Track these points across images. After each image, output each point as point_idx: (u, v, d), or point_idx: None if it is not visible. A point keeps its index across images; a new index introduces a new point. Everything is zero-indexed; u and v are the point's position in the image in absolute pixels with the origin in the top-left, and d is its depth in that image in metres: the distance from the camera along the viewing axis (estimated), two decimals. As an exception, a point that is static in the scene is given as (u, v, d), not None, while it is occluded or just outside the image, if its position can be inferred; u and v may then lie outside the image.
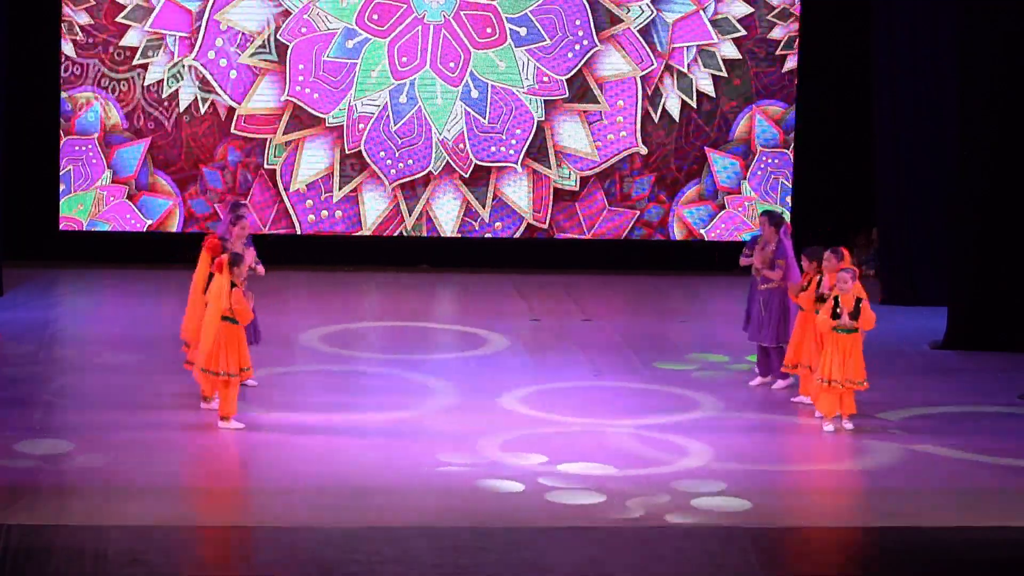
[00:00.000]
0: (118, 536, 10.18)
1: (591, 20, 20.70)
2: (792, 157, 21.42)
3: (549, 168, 20.80)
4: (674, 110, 21.04)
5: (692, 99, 20.99)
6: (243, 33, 20.23)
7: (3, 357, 14.92)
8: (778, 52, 21.17)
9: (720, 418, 13.75)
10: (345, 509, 10.95)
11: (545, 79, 20.69)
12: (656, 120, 20.99)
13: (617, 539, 10.39)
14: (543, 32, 20.65)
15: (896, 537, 10.81)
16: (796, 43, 21.16)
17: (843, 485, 12.09)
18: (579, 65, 20.72)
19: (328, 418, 13.44)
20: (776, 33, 21.16)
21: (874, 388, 14.78)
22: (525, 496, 11.30)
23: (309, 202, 20.75)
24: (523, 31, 20.68)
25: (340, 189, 20.61)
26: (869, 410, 14.04)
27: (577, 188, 20.86)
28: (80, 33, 20.23)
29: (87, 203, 20.32)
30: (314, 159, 20.56)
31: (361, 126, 20.43)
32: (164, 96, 20.32)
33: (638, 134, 20.89)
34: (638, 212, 20.97)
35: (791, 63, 21.25)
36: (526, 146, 20.70)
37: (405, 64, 20.56)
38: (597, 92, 20.89)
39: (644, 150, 20.86)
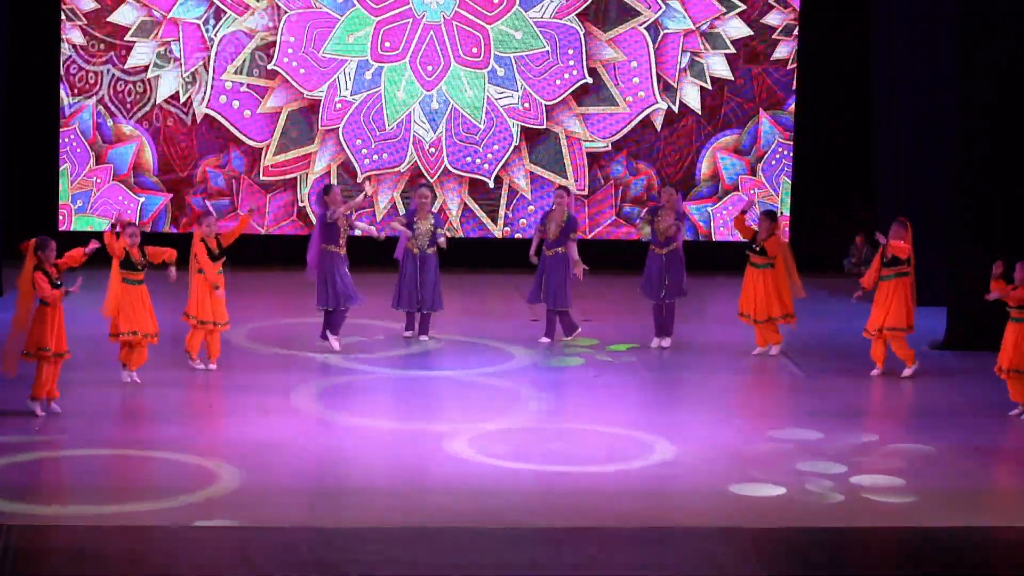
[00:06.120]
0: (118, 536, 10.18)
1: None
2: (792, 157, 21.46)
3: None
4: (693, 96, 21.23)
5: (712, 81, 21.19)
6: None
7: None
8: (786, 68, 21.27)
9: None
10: (345, 509, 10.95)
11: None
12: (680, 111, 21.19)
13: (617, 539, 10.38)
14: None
15: (896, 537, 10.80)
16: (795, 40, 21.22)
17: (843, 486, 12.07)
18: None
19: (329, 419, 13.45)
20: (780, 47, 21.27)
21: (874, 388, 14.82)
22: (525, 495, 11.33)
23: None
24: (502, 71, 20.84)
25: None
26: (870, 409, 14.03)
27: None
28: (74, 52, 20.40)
29: (63, 180, 20.58)
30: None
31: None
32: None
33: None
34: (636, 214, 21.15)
35: (791, 64, 21.29)
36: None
37: (431, 73, 20.60)
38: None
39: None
